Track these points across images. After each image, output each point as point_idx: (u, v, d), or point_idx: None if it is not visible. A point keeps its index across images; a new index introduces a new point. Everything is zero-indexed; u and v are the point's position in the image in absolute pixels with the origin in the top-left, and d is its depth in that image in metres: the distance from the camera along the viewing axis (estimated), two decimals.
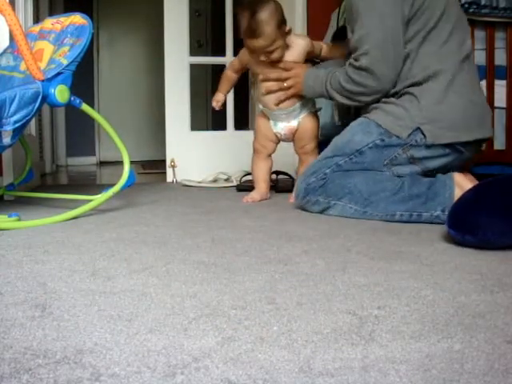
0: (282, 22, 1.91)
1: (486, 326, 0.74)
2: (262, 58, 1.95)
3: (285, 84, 1.99)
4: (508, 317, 0.78)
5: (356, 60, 1.73)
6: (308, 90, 1.94)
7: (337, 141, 1.80)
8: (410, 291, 0.91)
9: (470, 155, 1.75)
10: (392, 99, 1.73)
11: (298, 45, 1.99)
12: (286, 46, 1.98)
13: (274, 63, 1.98)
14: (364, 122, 1.76)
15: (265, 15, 1.86)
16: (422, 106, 1.67)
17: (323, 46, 2.10)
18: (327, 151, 1.80)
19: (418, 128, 1.67)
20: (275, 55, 1.94)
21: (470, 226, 1.24)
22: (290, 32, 1.96)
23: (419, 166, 1.72)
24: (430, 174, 1.72)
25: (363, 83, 1.73)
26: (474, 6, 2.47)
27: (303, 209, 1.82)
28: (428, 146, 1.67)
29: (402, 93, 1.72)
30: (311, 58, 2.09)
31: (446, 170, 1.70)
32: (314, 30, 3.08)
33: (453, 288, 0.93)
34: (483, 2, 2.47)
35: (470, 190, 1.41)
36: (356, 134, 1.75)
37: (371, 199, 1.65)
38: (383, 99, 1.75)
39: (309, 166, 1.85)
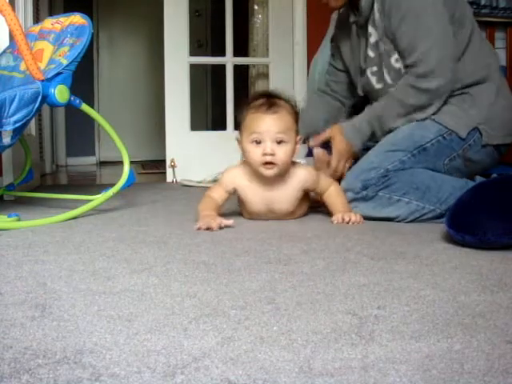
0: (296, 121, 1.61)
1: (486, 326, 0.74)
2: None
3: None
4: (508, 317, 0.78)
5: (415, 66, 1.64)
6: (357, 144, 1.72)
7: (392, 137, 1.68)
8: (409, 291, 0.91)
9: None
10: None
11: (297, 176, 1.62)
12: (286, 172, 1.61)
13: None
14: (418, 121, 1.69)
15: (283, 100, 1.60)
16: (478, 105, 1.67)
17: (331, 187, 1.66)
18: (384, 146, 1.67)
19: (476, 128, 1.67)
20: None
21: (470, 226, 1.24)
22: (299, 142, 1.62)
23: (469, 169, 1.72)
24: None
25: (431, 88, 1.62)
26: (474, 6, 2.48)
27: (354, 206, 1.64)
28: (483, 146, 1.69)
29: (455, 94, 1.69)
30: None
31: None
32: (314, 30, 3.08)
33: (453, 288, 0.93)
34: (483, 2, 2.48)
35: (470, 190, 1.41)
36: (414, 129, 1.67)
37: (439, 195, 1.59)
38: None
39: (363, 160, 1.67)
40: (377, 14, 1.71)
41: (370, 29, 1.76)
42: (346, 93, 2.05)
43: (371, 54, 1.80)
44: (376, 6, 1.71)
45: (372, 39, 1.77)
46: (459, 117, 1.67)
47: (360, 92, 1.92)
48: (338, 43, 2.00)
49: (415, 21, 1.62)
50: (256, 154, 1.56)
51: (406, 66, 1.68)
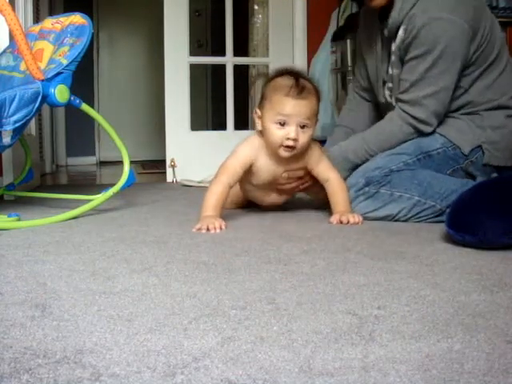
0: (318, 105, 1.62)
1: (486, 326, 0.74)
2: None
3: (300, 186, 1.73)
4: (508, 317, 0.78)
5: (408, 104, 1.68)
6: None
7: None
8: (409, 291, 0.91)
9: None
10: (453, 113, 1.73)
11: (304, 155, 1.65)
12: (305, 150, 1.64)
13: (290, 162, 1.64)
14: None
15: (313, 84, 1.60)
16: (486, 126, 1.69)
17: (330, 178, 1.66)
18: (391, 150, 1.70)
19: (480, 146, 1.69)
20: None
21: (470, 226, 1.24)
22: (316, 122, 1.64)
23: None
24: None
25: (420, 129, 1.69)
26: None
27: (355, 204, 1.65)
28: (483, 165, 1.71)
29: (466, 112, 1.72)
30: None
31: None
32: (314, 31, 3.08)
33: (453, 288, 0.93)
34: None
35: (470, 189, 1.41)
36: (421, 138, 1.70)
37: (441, 191, 1.61)
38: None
39: (369, 162, 1.70)
40: (399, 38, 1.70)
41: (394, 47, 1.75)
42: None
43: (391, 71, 1.80)
44: (401, 31, 1.69)
45: (393, 57, 1.77)
46: (465, 133, 1.70)
47: (382, 99, 1.89)
48: (361, 43, 1.97)
49: (430, 63, 1.63)
50: (278, 135, 1.56)
51: (399, 99, 1.72)
